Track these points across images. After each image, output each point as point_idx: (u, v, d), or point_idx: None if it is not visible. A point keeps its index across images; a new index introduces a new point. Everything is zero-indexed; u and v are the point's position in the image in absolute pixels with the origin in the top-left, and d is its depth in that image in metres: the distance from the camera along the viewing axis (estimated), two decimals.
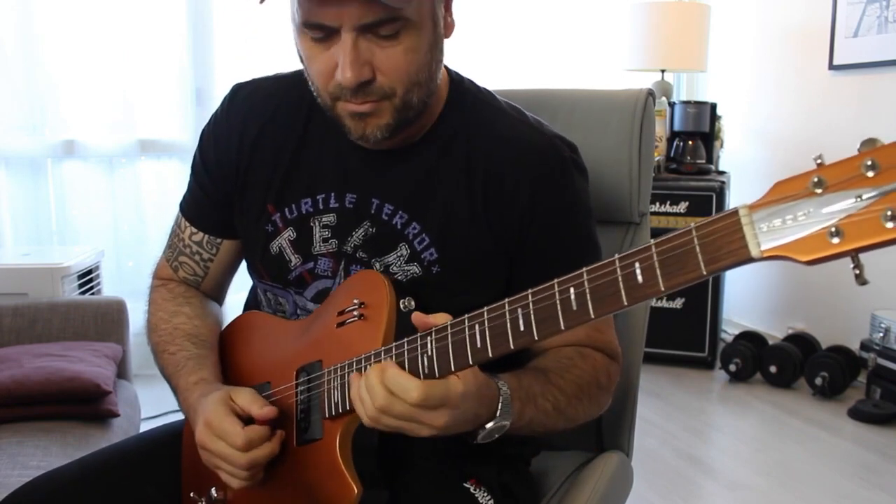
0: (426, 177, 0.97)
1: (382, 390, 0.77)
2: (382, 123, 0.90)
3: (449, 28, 0.94)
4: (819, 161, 0.52)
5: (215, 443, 0.88)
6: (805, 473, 2.38)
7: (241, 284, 1.18)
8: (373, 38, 0.85)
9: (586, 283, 0.66)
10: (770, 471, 2.41)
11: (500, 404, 0.83)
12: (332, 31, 0.85)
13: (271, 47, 2.92)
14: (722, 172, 3.48)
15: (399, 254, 0.97)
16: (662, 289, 0.60)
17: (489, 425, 0.83)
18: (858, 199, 0.50)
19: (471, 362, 0.76)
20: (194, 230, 1.10)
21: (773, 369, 3.06)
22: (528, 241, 0.97)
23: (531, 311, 0.70)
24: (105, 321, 2.02)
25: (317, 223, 1.00)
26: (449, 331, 0.77)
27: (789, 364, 3.03)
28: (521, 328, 0.71)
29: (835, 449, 2.55)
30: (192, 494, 1.02)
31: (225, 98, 1.07)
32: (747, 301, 3.63)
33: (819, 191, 0.52)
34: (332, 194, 1.00)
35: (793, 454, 2.52)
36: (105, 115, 2.95)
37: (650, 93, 1.26)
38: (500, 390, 0.84)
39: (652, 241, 0.61)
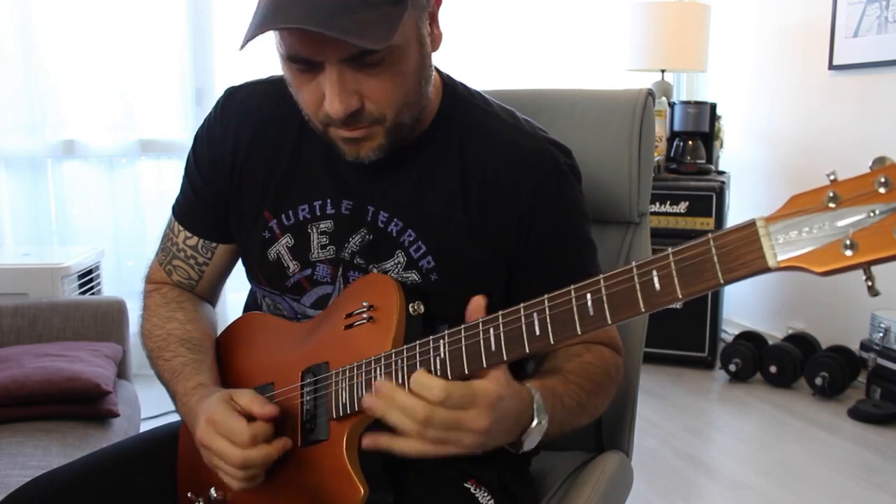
0: (420, 184, 0.97)
1: (415, 401, 0.76)
2: (376, 145, 0.90)
3: (436, 41, 0.92)
4: (833, 177, 0.54)
5: (216, 440, 0.88)
6: (805, 473, 2.38)
7: (240, 285, 1.18)
8: (358, 66, 0.84)
9: (603, 290, 0.68)
10: (770, 471, 2.41)
11: (534, 406, 0.83)
12: (316, 64, 0.84)
13: (271, 47, 2.91)
14: (722, 172, 3.48)
15: (396, 261, 0.97)
16: (680, 296, 0.63)
17: (533, 425, 0.83)
18: (872, 214, 0.52)
19: (484, 365, 0.76)
20: (188, 234, 1.09)
21: (773, 369, 3.06)
22: (527, 248, 0.97)
23: (547, 316, 0.72)
24: (105, 321, 2.01)
25: (314, 230, 1.00)
26: (462, 334, 0.77)
27: (789, 364, 3.03)
28: (537, 332, 0.72)
29: (835, 449, 2.56)
30: (189, 495, 1.02)
31: (218, 101, 1.07)
32: (747, 301, 3.63)
33: (833, 205, 0.54)
34: (329, 201, 1.00)
35: (793, 454, 2.52)
36: (105, 114, 2.96)
37: (650, 93, 1.26)
38: (530, 392, 0.83)
39: (670, 249, 0.63)
